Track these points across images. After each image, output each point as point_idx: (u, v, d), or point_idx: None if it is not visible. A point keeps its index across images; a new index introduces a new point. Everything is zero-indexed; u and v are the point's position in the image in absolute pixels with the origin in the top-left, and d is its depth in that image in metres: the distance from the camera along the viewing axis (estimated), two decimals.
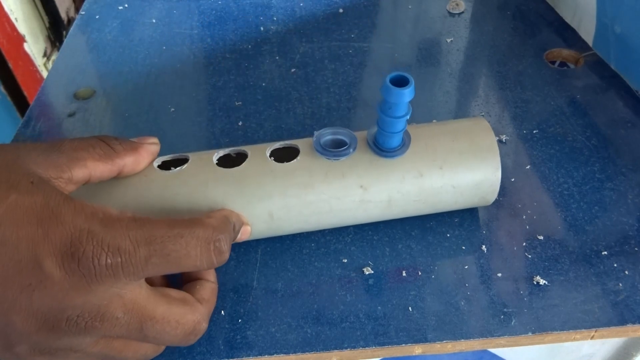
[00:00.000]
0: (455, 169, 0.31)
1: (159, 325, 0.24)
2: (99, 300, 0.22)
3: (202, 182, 0.30)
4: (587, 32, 0.49)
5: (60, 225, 0.22)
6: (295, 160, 0.31)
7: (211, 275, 0.30)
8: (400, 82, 0.28)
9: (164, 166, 0.31)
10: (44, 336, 0.22)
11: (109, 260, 0.22)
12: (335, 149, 0.31)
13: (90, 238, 0.22)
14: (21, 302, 0.21)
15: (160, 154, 0.31)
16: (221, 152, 0.32)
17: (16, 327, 0.22)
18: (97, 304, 0.22)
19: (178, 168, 0.30)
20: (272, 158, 0.31)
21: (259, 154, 0.31)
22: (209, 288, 0.29)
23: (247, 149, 0.32)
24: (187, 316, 0.26)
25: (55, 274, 0.21)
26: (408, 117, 0.30)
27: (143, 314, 0.24)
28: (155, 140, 0.31)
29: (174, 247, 0.24)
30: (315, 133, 0.32)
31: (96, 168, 0.27)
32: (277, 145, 0.32)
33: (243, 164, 0.30)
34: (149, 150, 0.30)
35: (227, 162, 0.31)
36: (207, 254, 0.25)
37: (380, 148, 0.31)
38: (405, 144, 0.31)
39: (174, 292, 0.26)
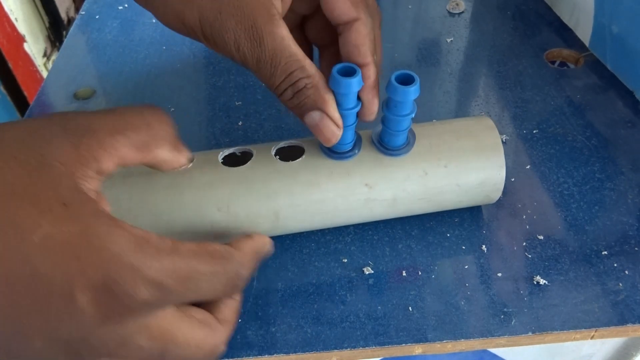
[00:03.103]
0: (459, 168, 0.31)
1: (180, 350, 0.23)
2: (126, 331, 0.21)
3: (207, 181, 0.30)
4: (584, 32, 0.49)
5: (99, 259, 0.20)
6: (300, 159, 0.31)
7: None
8: (406, 80, 0.28)
9: None
10: (62, 359, 0.21)
11: (147, 297, 0.21)
12: None
13: (131, 273, 0.20)
14: (47, 330, 0.20)
15: None
16: (226, 152, 0.32)
17: (35, 350, 0.21)
18: (123, 334, 0.21)
19: (183, 167, 0.30)
20: (278, 157, 0.31)
21: (264, 153, 0.31)
22: (232, 307, 0.27)
23: (252, 148, 0.32)
24: (208, 340, 0.25)
25: (88, 309, 0.20)
26: (413, 115, 0.30)
27: (166, 340, 0.23)
28: (190, 155, 0.29)
29: (207, 285, 0.23)
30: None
31: (129, 157, 0.24)
32: (282, 144, 0.32)
33: (248, 162, 0.31)
34: (185, 155, 0.28)
35: (232, 161, 0.31)
36: (228, 289, 0.25)
37: (385, 147, 0.31)
38: (410, 142, 0.31)
39: (195, 313, 0.25)
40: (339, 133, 0.28)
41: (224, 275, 0.24)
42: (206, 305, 0.26)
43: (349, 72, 0.28)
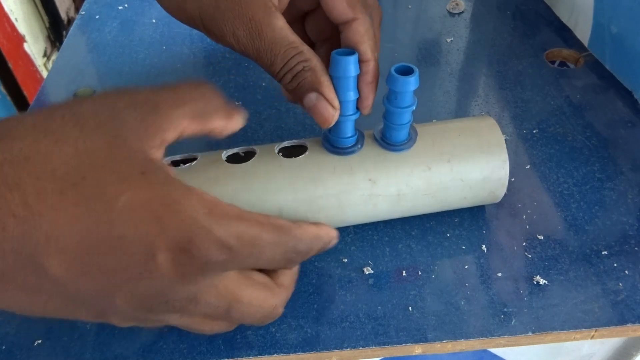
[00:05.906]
0: (463, 162, 0.31)
1: (244, 307, 0.26)
2: (198, 289, 0.24)
3: (211, 177, 0.30)
4: (583, 32, 0.49)
5: (178, 221, 0.22)
6: (303, 155, 0.31)
7: None
8: (405, 72, 0.29)
9: (173, 165, 0.31)
10: (138, 313, 0.24)
11: (217, 257, 0.23)
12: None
13: (205, 234, 0.22)
14: (127, 287, 0.22)
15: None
16: (230, 151, 0.32)
17: (115, 306, 0.23)
18: (195, 291, 0.24)
19: (187, 164, 0.30)
20: (281, 154, 0.31)
21: (268, 151, 0.31)
22: (290, 275, 0.29)
23: (255, 147, 0.32)
24: (268, 300, 0.27)
25: (166, 267, 0.22)
26: (414, 107, 0.30)
27: (231, 298, 0.25)
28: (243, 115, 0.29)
29: (269, 253, 0.25)
30: (323, 130, 0.32)
31: (189, 128, 0.26)
32: (286, 143, 0.32)
33: (252, 159, 0.31)
34: (238, 120, 0.28)
35: (235, 160, 0.31)
36: (285, 261, 0.26)
37: (388, 142, 0.31)
38: (412, 138, 0.32)
39: (256, 276, 0.27)
40: (335, 114, 0.29)
41: (283, 246, 0.25)
42: (266, 272, 0.28)
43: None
